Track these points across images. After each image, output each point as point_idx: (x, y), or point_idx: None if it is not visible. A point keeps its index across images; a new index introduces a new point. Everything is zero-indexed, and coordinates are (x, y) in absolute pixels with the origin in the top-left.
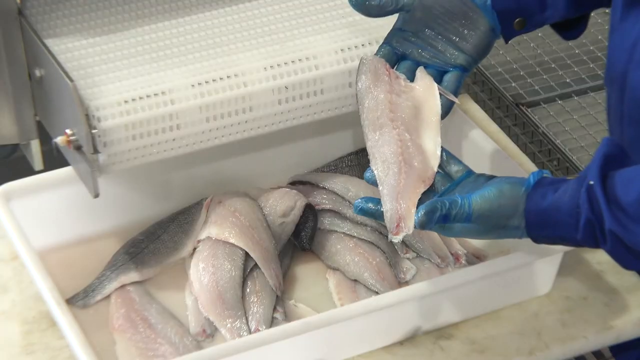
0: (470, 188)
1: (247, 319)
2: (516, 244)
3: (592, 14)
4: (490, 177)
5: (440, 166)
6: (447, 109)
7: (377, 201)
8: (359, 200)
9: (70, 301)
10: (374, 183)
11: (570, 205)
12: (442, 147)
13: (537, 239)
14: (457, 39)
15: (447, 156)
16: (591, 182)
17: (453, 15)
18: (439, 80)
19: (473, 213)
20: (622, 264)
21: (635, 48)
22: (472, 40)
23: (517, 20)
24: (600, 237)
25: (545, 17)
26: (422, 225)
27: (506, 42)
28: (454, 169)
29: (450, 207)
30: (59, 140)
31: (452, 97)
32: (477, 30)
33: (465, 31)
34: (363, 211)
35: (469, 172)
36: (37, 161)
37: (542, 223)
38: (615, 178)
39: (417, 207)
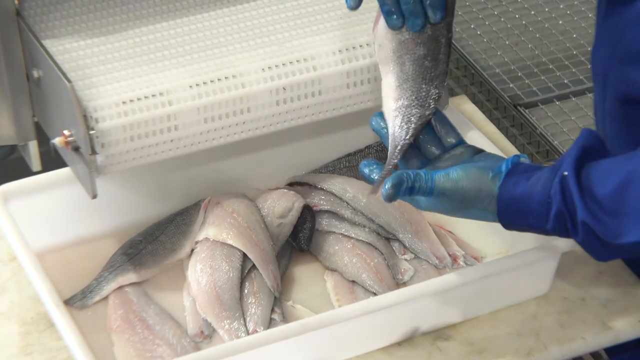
0: (453, 161)
1: (245, 320)
2: (514, 244)
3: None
4: (476, 153)
5: (433, 129)
6: None
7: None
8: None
9: (68, 302)
10: (378, 130)
11: (541, 194)
12: (440, 110)
13: (507, 226)
14: None
15: (442, 121)
16: (565, 173)
17: None
18: None
19: (435, 189)
20: (594, 255)
21: (616, 46)
22: None
23: None
24: (572, 228)
25: None
26: (390, 197)
27: None
28: (445, 135)
29: (415, 180)
30: (57, 141)
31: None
32: None
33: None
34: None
35: (460, 142)
36: (35, 162)
37: (512, 211)
38: (590, 170)
39: (389, 176)
